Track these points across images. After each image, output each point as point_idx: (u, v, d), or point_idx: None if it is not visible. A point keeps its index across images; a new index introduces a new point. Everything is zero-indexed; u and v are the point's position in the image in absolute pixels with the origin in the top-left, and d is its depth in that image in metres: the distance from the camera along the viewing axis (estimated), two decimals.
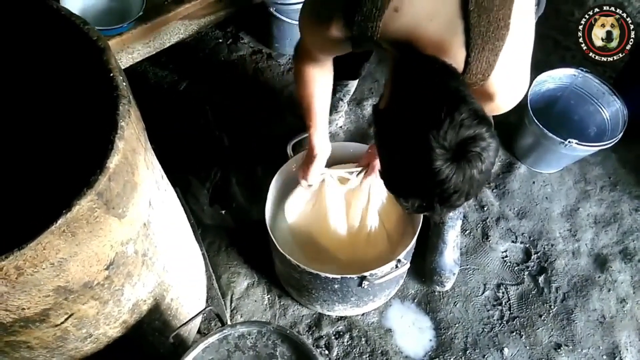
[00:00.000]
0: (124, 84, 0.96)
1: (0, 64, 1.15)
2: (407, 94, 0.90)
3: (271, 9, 2.11)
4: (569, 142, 1.79)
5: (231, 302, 1.76)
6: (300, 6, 2.06)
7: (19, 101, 1.22)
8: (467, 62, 0.95)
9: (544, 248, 1.90)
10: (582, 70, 1.95)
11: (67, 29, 1.02)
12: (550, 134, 1.83)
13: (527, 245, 1.91)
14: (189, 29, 1.80)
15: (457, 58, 0.94)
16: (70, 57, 1.06)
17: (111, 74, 0.95)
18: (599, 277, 1.85)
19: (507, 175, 2.04)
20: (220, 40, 2.38)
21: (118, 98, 0.92)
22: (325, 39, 1.07)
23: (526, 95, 1.90)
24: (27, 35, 1.10)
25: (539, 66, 2.18)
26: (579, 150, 1.85)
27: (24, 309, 0.90)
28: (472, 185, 0.87)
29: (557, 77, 1.99)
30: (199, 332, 1.64)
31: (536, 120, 1.85)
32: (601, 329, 1.76)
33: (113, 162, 0.86)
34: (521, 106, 1.98)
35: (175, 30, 1.76)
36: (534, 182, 2.04)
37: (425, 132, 0.83)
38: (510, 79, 1.01)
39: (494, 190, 2.01)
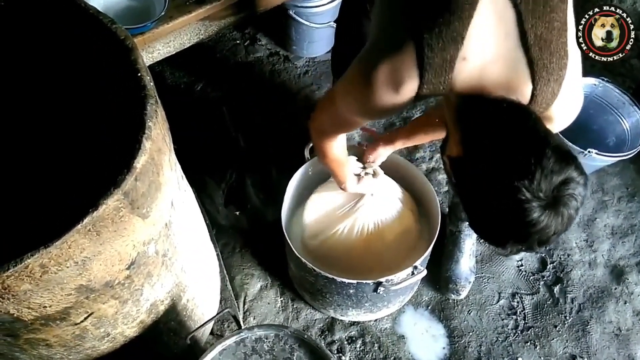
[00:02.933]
0: (151, 84, 0.96)
1: (29, 62, 1.16)
2: (485, 141, 0.88)
3: (290, 12, 2.11)
4: (589, 152, 1.77)
5: (244, 304, 1.76)
6: (319, 9, 2.11)
7: (46, 100, 1.23)
8: (533, 94, 0.93)
9: (560, 258, 1.88)
10: (602, 79, 1.93)
11: (94, 28, 1.02)
12: (569, 144, 1.81)
13: (543, 255, 1.89)
14: (209, 30, 1.80)
15: (523, 93, 0.93)
16: (97, 56, 1.06)
17: (139, 74, 0.95)
18: (615, 288, 1.83)
19: None
20: (238, 42, 2.38)
21: (146, 98, 0.92)
22: (388, 105, 0.99)
23: None
24: (55, 34, 1.10)
25: None
26: (598, 160, 1.84)
27: (45, 307, 0.90)
28: (570, 223, 0.86)
29: None
30: (211, 333, 1.64)
31: None
32: (617, 341, 1.74)
33: (140, 162, 0.86)
34: None
35: (196, 30, 1.75)
36: None
37: (516, 183, 0.81)
38: (568, 102, 1.00)
39: None
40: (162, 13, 1.60)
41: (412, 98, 0.96)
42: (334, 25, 2.20)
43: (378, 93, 0.97)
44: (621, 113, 1.93)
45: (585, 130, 2.02)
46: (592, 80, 1.95)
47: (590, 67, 2.20)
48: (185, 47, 1.79)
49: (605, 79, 1.93)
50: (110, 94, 1.07)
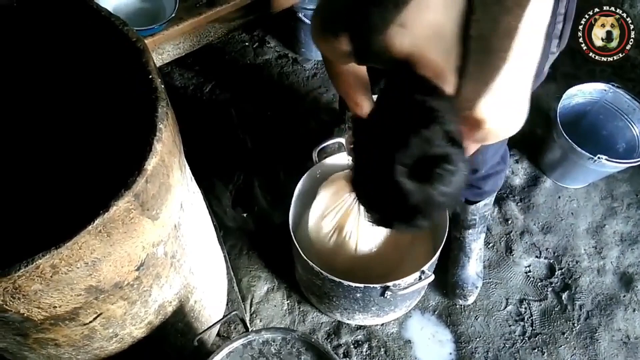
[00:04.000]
0: (162, 86, 0.96)
1: (42, 63, 1.16)
2: (386, 109, 0.90)
3: (299, 14, 2.11)
4: (599, 157, 1.76)
5: (251, 306, 1.76)
6: None
7: (58, 101, 1.23)
8: (458, 88, 0.92)
9: (569, 264, 1.87)
10: (612, 85, 1.92)
11: (106, 30, 1.02)
12: (579, 149, 1.80)
13: (551, 261, 1.88)
14: (219, 32, 1.80)
15: (450, 83, 0.92)
16: (109, 57, 1.06)
17: (150, 76, 0.95)
18: (624, 296, 1.82)
19: (532, 189, 2.02)
20: (247, 44, 2.39)
21: (157, 100, 0.92)
22: (336, 52, 1.03)
23: (555, 109, 1.88)
24: (67, 35, 1.10)
25: (568, 80, 2.17)
26: (607, 166, 1.82)
27: (55, 307, 0.90)
28: (432, 206, 0.86)
29: (587, 92, 1.96)
30: (218, 335, 1.64)
31: (565, 134, 1.82)
32: (625, 349, 1.72)
33: (151, 164, 0.87)
34: (550, 119, 1.98)
35: (205, 32, 1.76)
36: (559, 197, 2.01)
37: (393, 146, 0.83)
38: (503, 110, 0.96)
39: (519, 204, 1.99)
40: (172, 15, 1.61)
41: (349, 50, 0.97)
42: None
43: (317, 35, 1.03)
44: (631, 119, 1.92)
45: (595, 135, 2.01)
46: (602, 86, 1.94)
47: (600, 73, 2.20)
48: (194, 48, 1.80)
49: (615, 85, 1.91)
50: (122, 96, 1.07)
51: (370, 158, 0.88)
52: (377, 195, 0.89)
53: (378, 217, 0.93)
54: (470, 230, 1.75)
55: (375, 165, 0.87)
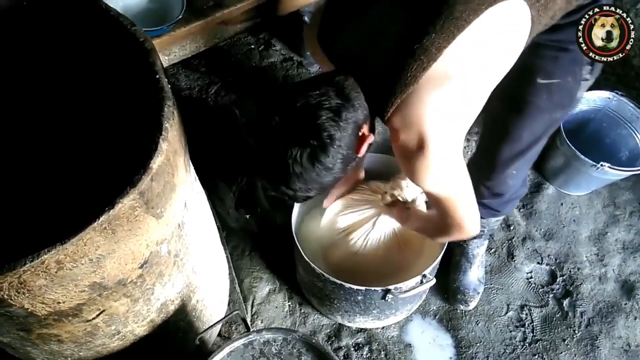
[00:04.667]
0: (169, 86, 0.97)
1: (50, 62, 1.17)
2: (306, 82, 0.99)
3: (305, 18, 2.12)
4: (601, 165, 1.76)
5: (252, 307, 1.76)
6: None
7: (65, 99, 1.25)
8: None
9: (570, 271, 1.87)
10: (616, 93, 1.93)
11: (114, 30, 1.04)
12: (582, 156, 1.81)
13: (553, 268, 1.88)
14: (225, 34, 1.82)
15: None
16: (117, 57, 1.07)
17: (157, 76, 0.96)
18: (626, 304, 1.82)
19: (535, 196, 2.02)
20: (252, 46, 2.40)
21: (163, 100, 0.93)
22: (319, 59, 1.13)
23: None
24: (76, 35, 1.12)
25: None
26: (610, 174, 1.83)
27: (59, 302, 0.91)
28: (289, 175, 0.94)
29: (590, 99, 1.97)
30: (219, 335, 1.64)
31: (568, 142, 1.83)
32: (626, 357, 1.72)
33: (156, 162, 0.87)
34: None
35: (212, 34, 1.78)
36: (562, 204, 2.01)
37: (282, 102, 0.94)
38: (421, 128, 0.97)
39: (521, 210, 1.99)
40: (180, 16, 1.63)
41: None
42: None
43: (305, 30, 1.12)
44: (634, 127, 1.92)
45: (598, 143, 2.01)
46: (605, 94, 1.94)
47: (604, 81, 2.21)
48: (200, 50, 1.82)
49: (619, 93, 1.92)
50: (129, 95, 1.08)
51: (269, 102, 0.99)
52: (252, 135, 1.01)
53: (247, 161, 1.03)
54: (476, 239, 1.75)
55: (265, 108, 0.98)
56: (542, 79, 1.15)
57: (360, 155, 1.04)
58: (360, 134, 1.01)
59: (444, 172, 1.02)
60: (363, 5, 0.98)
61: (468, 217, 1.13)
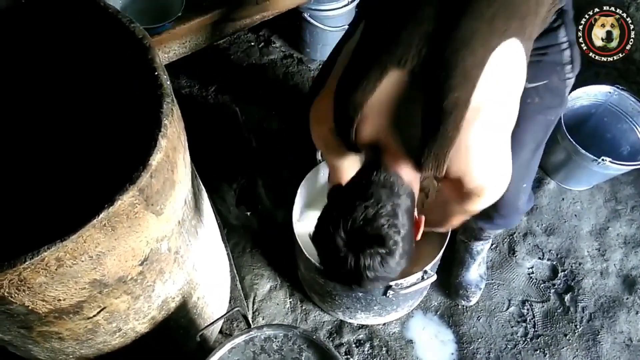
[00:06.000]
0: (168, 82, 0.97)
1: (49, 59, 1.18)
2: (352, 190, 1.02)
3: (305, 15, 2.12)
4: (603, 160, 1.76)
5: (253, 304, 1.77)
6: (333, 12, 2.12)
7: (64, 97, 1.25)
8: (418, 164, 1.00)
9: (572, 266, 1.87)
10: (617, 87, 1.92)
11: (113, 27, 1.04)
12: (583, 151, 1.80)
13: (554, 263, 1.88)
14: (225, 31, 1.81)
15: (408, 164, 1.01)
16: (116, 54, 1.07)
17: (156, 73, 0.96)
18: (627, 298, 1.82)
19: (536, 191, 2.02)
20: (253, 44, 2.40)
21: (162, 97, 0.93)
22: (321, 134, 1.16)
23: None
24: (75, 32, 1.12)
25: (574, 82, 2.16)
26: (611, 168, 1.82)
27: (60, 300, 0.91)
28: (360, 279, 0.96)
29: (591, 94, 1.96)
30: (221, 332, 1.65)
31: (569, 137, 1.82)
32: (627, 352, 1.72)
33: (156, 159, 0.87)
34: None
35: (212, 31, 1.77)
36: (563, 199, 2.01)
37: (341, 214, 0.96)
38: (477, 168, 1.01)
39: None
40: (179, 14, 1.62)
41: (333, 136, 1.09)
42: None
43: (310, 120, 1.17)
44: (636, 121, 1.92)
45: (599, 138, 2.01)
46: (607, 88, 1.94)
47: (605, 75, 2.20)
48: (200, 47, 1.81)
49: (620, 87, 1.91)
50: (128, 92, 1.08)
51: (326, 218, 1.01)
52: (322, 250, 1.02)
53: (323, 269, 1.05)
54: (480, 241, 1.74)
55: (326, 225, 0.98)
56: (530, 83, 1.20)
57: (418, 238, 1.09)
58: (414, 219, 1.05)
59: (502, 190, 1.10)
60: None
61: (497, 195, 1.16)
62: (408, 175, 1.01)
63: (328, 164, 1.38)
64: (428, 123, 0.95)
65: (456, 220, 1.32)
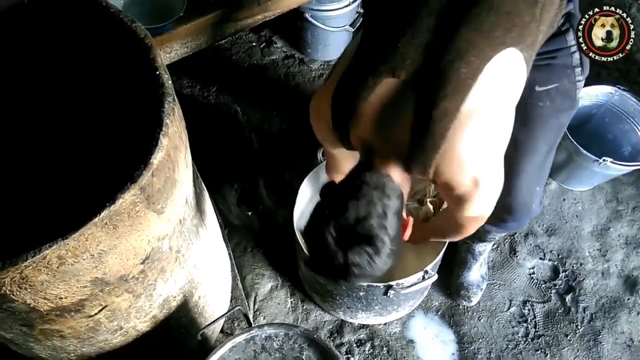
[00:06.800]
0: (169, 82, 0.97)
1: (51, 58, 1.18)
2: (345, 189, 1.04)
3: (306, 15, 2.12)
4: (604, 160, 1.76)
5: (254, 304, 1.77)
6: (334, 13, 2.12)
7: (67, 96, 1.25)
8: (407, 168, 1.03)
9: (573, 267, 1.87)
10: (618, 88, 1.92)
11: (115, 27, 1.04)
12: (584, 152, 1.80)
13: (556, 263, 1.88)
14: (226, 32, 1.82)
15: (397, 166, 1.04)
16: (117, 54, 1.08)
17: (157, 72, 0.97)
18: (629, 299, 1.81)
19: None
20: (254, 44, 2.40)
21: (163, 96, 0.94)
22: (326, 138, 1.20)
23: None
24: (77, 32, 1.12)
25: None
26: (612, 169, 1.82)
27: (61, 298, 0.92)
28: (349, 275, 0.98)
29: (593, 94, 1.96)
30: (222, 331, 1.65)
31: (570, 137, 1.82)
32: (629, 352, 1.72)
33: (157, 158, 0.88)
34: None
35: (213, 32, 1.77)
36: (564, 199, 2.01)
37: (333, 211, 0.99)
38: (464, 174, 1.02)
39: None
40: (181, 14, 1.62)
41: (330, 132, 1.13)
42: (349, 29, 2.22)
43: (310, 112, 1.20)
44: (637, 122, 1.91)
45: (601, 138, 2.01)
46: (608, 89, 1.94)
47: (607, 75, 2.20)
48: (202, 47, 1.81)
49: (622, 88, 1.91)
50: (130, 91, 1.09)
51: (319, 215, 1.03)
52: (312, 245, 1.04)
53: (311, 262, 1.07)
54: (484, 242, 1.74)
55: (318, 222, 1.01)
56: (541, 87, 1.22)
57: (405, 239, 1.11)
58: (403, 220, 1.07)
59: (493, 197, 1.10)
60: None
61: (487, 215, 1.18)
62: (398, 177, 1.04)
63: (326, 151, 1.41)
64: (417, 129, 0.97)
65: (469, 228, 1.28)
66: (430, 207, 1.62)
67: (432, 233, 1.44)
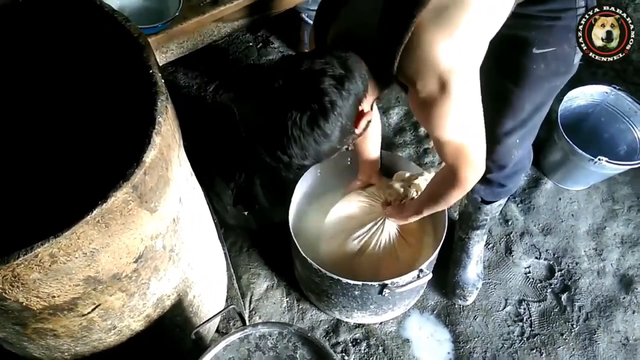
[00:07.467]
0: (162, 81, 0.98)
1: (44, 57, 1.18)
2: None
3: (303, 15, 2.13)
4: (599, 159, 1.76)
5: (250, 303, 1.77)
6: None
7: (59, 95, 1.25)
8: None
9: (568, 266, 1.87)
10: (614, 87, 1.92)
11: (109, 26, 1.04)
12: (580, 151, 1.80)
13: (551, 262, 1.88)
14: (223, 31, 1.82)
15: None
16: (111, 52, 1.08)
17: (150, 71, 0.97)
18: (624, 298, 1.82)
19: (533, 191, 2.02)
20: (251, 44, 2.41)
21: (156, 94, 0.94)
22: None
23: (556, 111, 1.88)
24: (70, 30, 1.12)
25: (569, 82, 2.16)
26: (608, 168, 1.83)
27: (54, 296, 0.92)
28: (287, 139, 0.94)
29: (588, 94, 1.96)
30: (217, 330, 1.65)
31: (566, 136, 1.83)
32: (624, 351, 1.72)
33: (149, 156, 0.88)
34: (551, 121, 1.98)
35: (209, 32, 1.77)
36: (560, 199, 2.01)
37: (286, 65, 0.97)
38: (428, 70, 0.98)
39: (519, 205, 1.99)
40: (177, 14, 1.62)
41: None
42: None
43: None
44: (633, 121, 1.92)
45: (596, 138, 2.01)
46: (604, 88, 1.94)
47: (602, 75, 2.20)
48: (198, 47, 1.81)
49: (617, 87, 1.92)
50: (123, 90, 1.09)
51: (273, 66, 1.01)
52: (255, 99, 0.99)
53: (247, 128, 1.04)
54: (477, 231, 1.74)
55: (268, 71, 0.99)
56: (538, 49, 1.17)
57: (358, 130, 1.05)
58: (360, 109, 1.03)
59: (467, 111, 1.03)
60: None
61: (479, 162, 1.14)
62: (366, 72, 1.01)
63: None
64: (385, 17, 0.96)
65: (451, 193, 1.24)
66: (413, 190, 1.61)
67: (418, 205, 1.41)
